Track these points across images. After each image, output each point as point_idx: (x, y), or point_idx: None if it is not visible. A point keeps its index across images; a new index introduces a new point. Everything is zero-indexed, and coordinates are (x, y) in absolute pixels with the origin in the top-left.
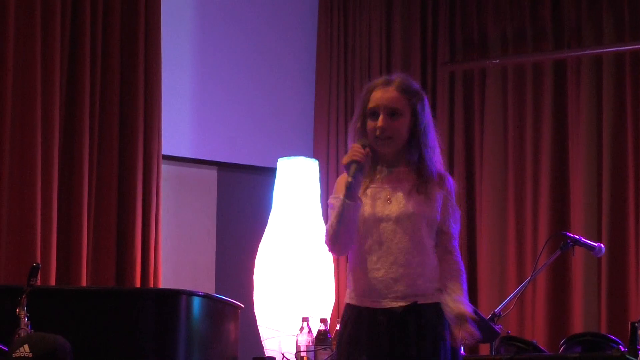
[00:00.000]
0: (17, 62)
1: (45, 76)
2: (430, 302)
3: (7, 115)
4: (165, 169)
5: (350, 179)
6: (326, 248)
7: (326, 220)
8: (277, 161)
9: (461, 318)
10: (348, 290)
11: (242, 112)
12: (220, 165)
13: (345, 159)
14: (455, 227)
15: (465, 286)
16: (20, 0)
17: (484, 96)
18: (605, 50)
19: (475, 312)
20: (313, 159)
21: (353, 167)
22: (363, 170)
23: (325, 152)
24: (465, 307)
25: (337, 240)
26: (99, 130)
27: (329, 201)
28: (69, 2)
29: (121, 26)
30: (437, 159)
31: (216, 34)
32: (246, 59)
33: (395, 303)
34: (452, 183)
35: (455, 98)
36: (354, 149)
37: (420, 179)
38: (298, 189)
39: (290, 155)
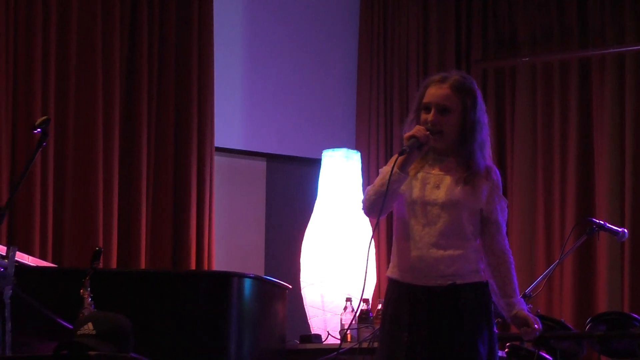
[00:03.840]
0: (79, 61)
1: (106, 72)
2: (468, 282)
3: (71, 108)
4: (217, 160)
5: (406, 148)
6: (362, 208)
7: None
8: (322, 153)
9: (524, 322)
10: (391, 265)
11: (289, 107)
12: (269, 157)
13: (407, 134)
14: (502, 216)
15: (514, 277)
16: (82, 6)
17: (515, 92)
18: (627, 48)
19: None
20: (355, 151)
21: (412, 141)
22: (420, 149)
23: (367, 144)
24: (523, 309)
25: (374, 204)
26: (156, 125)
27: (380, 169)
28: (127, 3)
29: (176, 25)
30: (486, 153)
31: (265, 32)
32: (293, 57)
33: (434, 282)
34: (498, 175)
35: (488, 94)
36: (418, 128)
37: (469, 172)
38: (341, 178)
39: (334, 147)
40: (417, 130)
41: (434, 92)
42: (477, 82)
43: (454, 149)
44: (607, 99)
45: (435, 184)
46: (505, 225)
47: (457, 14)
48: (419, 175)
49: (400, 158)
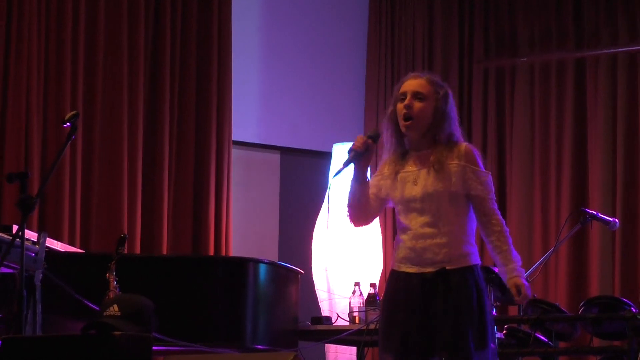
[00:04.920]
0: (106, 59)
1: (131, 69)
2: (456, 267)
3: (98, 103)
4: (235, 153)
5: (343, 166)
6: (349, 222)
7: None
8: (332, 146)
9: (518, 288)
10: (393, 258)
11: (302, 103)
12: (282, 150)
13: (348, 148)
14: (485, 188)
15: (510, 242)
16: (109, 8)
17: (514, 89)
18: (620, 50)
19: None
20: None
21: (351, 154)
22: (363, 156)
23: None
24: (519, 276)
25: (352, 215)
26: (178, 120)
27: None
28: (152, 4)
29: (197, 25)
30: (455, 137)
31: (279, 34)
32: (306, 56)
33: (425, 269)
34: (472, 150)
35: (489, 91)
36: (357, 138)
37: (436, 157)
38: (350, 171)
39: (344, 141)
40: (356, 141)
41: (410, 82)
42: (478, 80)
43: (429, 141)
44: (601, 97)
45: (413, 181)
46: (491, 194)
47: (461, 16)
48: (399, 176)
49: (353, 170)
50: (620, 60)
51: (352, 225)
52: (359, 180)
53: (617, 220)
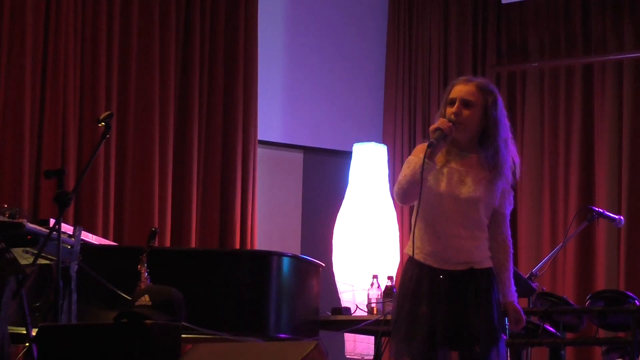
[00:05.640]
0: (139, 62)
1: (163, 72)
2: (483, 267)
3: (131, 104)
4: (260, 152)
5: (433, 141)
6: (395, 196)
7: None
8: (352, 146)
9: (514, 311)
10: (415, 247)
11: (323, 104)
12: (305, 149)
13: (432, 127)
14: (509, 208)
15: (510, 264)
16: (141, 15)
17: (525, 93)
18: (625, 56)
19: (516, 275)
20: (382, 144)
21: (438, 133)
22: (445, 139)
23: (392, 139)
24: (515, 302)
25: (407, 191)
26: (207, 121)
27: (407, 158)
28: (182, 9)
29: (225, 33)
30: (510, 149)
31: (302, 40)
32: (328, 60)
33: (454, 267)
34: (514, 175)
35: (501, 94)
36: (442, 121)
37: (491, 170)
38: (369, 169)
39: (363, 141)
40: (441, 122)
41: (460, 88)
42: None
43: (475, 145)
44: (607, 101)
45: (459, 179)
46: (509, 216)
47: (474, 23)
48: (445, 170)
49: (429, 149)
50: (626, 66)
51: (399, 201)
52: (432, 159)
53: (622, 217)
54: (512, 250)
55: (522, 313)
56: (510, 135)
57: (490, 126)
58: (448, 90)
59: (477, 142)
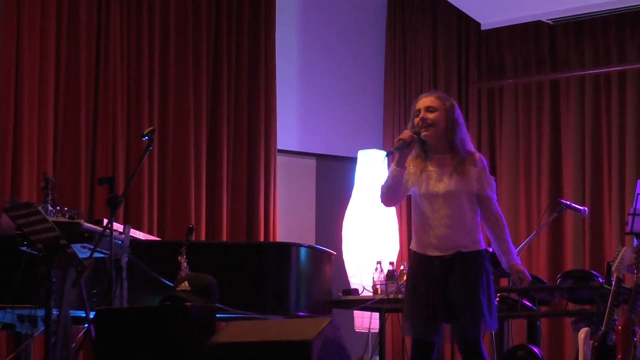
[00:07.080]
0: (176, 82)
1: (195, 93)
2: (471, 250)
3: (170, 120)
4: (279, 159)
5: (392, 149)
6: (380, 202)
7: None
8: (357, 152)
9: (519, 274)
10: (413, 240)
11: (332, 116)
12: (318, 156)
13: (396, 138)
14: (492, 191)
15: (509, 235)
16: (178, 40)
17: (502, 106)
18: (586, 72)
19: (498, 258)
20: (382, 150)
21: (400, 142)
22: (408, 147)
23: (391, 145)
24: (518, 264)
25: (386, 196)
26: (234, 132)
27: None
28: (212, 31)
29: (248, 53)
30: (467, 145)
31: (313, 61)
32: (335, 78)
33: (445, 252)
34: (483, 160)
35: (482, 108)
36: (405, 132)
37: (457, 162)
38: (372, 173)
39: (367, 148)
40: (403, 133)
41: (423, 100)
42: (473, 98)
43: (447, 146)
44: (571, 111)
45: (436, 179)
46: (495, 197)
47: (459, 46)
48: (424, 174)
49: (397, 157)
50: (587, 82)
51: (383, 205)
52: (401, 165)
53: (586, 208)
54: (505, 223)
55: (526, 272)
56: (467, 135)
57: (449, 126)
58: (414, 105)
59: (447, 142)
